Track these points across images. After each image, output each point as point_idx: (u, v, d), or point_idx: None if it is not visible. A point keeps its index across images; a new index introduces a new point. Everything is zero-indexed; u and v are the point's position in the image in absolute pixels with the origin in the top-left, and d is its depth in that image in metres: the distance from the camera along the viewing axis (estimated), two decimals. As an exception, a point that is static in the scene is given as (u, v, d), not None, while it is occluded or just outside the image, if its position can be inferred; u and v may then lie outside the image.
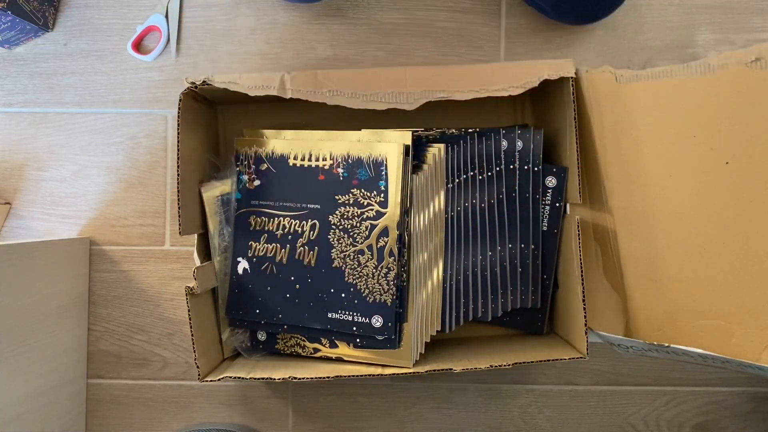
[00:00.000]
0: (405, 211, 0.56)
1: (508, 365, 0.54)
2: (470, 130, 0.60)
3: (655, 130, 0.54)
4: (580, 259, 0.55)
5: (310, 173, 0.59)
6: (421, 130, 0.60)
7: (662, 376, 0.68)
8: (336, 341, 0.60)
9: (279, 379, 0.54)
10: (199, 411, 0.70)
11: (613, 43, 0.68)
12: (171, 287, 0.69)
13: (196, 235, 0.60)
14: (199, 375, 0.55)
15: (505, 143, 0.60)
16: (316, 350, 0.61)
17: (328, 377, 0.55)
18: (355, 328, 0.57)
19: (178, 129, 0.56)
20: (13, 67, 0.69)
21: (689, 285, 0.54)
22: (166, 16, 0.68)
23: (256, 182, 0.61)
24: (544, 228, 0.61)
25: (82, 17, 0.69)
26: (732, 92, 0.49)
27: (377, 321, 0.57)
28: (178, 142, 0.56)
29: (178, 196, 0.56)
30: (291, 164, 0.60)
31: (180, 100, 0.56)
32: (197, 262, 0.59)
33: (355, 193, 0.58)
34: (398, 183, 0.56)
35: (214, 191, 0.61)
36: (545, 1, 0.62)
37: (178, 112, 0.56)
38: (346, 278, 0.58)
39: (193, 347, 0.55)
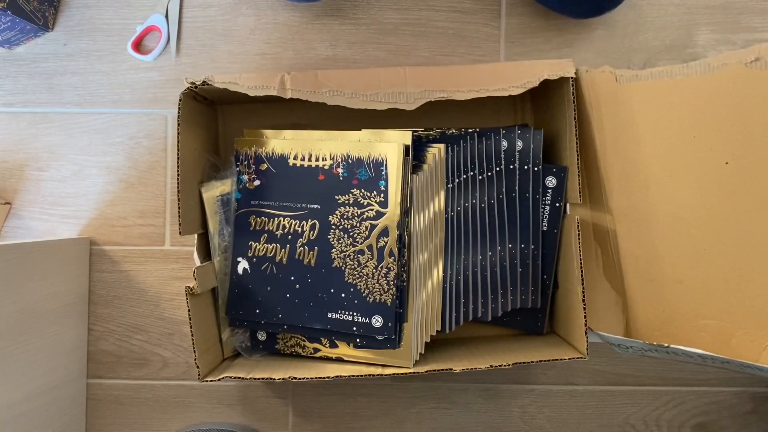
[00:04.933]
0: (405, 211, 0.56)
1: (508, 365, 0.54)
2: (470, 130, 0.60)
3: (655, 130, 0.54)
4: (580, 259, 0.55)
5: (310, 173, 0.59)
6: (421, 130, 0.60)
7: (662, 376, 0.68)
8: (336, 341, 0.60)
9: (279, 379, 0.54)
10: (199, 411, 0.70)
11: (613, 43, 0.68)
12: (171, 287, 0.69)
13: (196, 235, 0.60)
14: (199, 375, 0.55)
15: (505, 143, 0.60)
16: (316, 350, 0.61)
17: (328, 377, 0.55)
18: (355, 328, 0.57)
19: (178, 129, 0.56)
20: (13, 67, 0.69)
21: (689, 285, 0.54)
22: (166, 16, 0.68)
23: (256, 182, 0.61)
24: (544, 228, 0.61)
25: (82, 17, 0.69)
26: (732, 92, 0.49)
27: (377, 321, 0.57)
28: (178, 142, 0.56)
29: (178, 196, 0.56)
30: (291, 164, 0.60)
31: (180, 100, 0.56)
32: (197, 262, 0.59)
33: (355, 193, 0.58)
34: (398, 183, 0.56)
35: (214, 191, 0.61)
36: None
37: (178, 112, 0.56)
38: (346, 278, 0.58)
39: (193, 347, 0.55)
